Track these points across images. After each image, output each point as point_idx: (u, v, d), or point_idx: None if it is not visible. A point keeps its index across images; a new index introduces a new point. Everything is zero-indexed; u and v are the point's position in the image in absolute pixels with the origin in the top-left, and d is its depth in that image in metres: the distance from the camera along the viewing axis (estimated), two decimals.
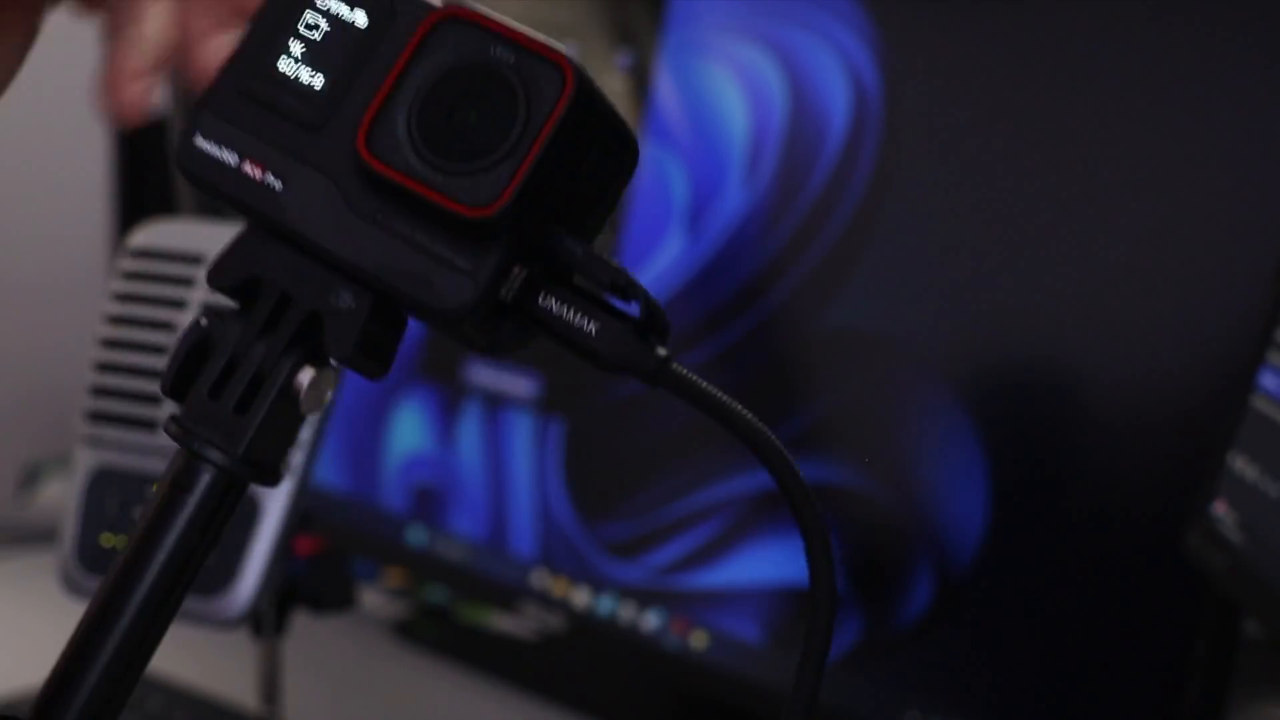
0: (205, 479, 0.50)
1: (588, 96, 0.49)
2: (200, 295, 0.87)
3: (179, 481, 0.51)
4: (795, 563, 1.07)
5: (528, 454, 1.19)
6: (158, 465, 0.87)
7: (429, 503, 1.25)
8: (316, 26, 0.51)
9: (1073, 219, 0.98)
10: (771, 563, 1.08)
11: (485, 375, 1.20)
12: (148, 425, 0.87)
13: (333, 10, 0.51)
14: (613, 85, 1.17)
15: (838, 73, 1.07)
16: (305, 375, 0.51)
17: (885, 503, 1.03)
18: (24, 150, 1.65)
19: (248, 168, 0.51)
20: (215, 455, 0.50)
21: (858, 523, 1.04)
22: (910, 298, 1.03)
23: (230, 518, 0.51)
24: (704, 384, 0.50)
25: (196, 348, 0.51)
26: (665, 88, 1.15)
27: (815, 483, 1.10)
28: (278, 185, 0.51)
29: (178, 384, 0.51)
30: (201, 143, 0.51)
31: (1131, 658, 0.95)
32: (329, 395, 0.52)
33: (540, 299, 0.50)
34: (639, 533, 1.14)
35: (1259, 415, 0.83)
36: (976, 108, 1.01)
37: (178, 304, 0.88)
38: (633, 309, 0.50)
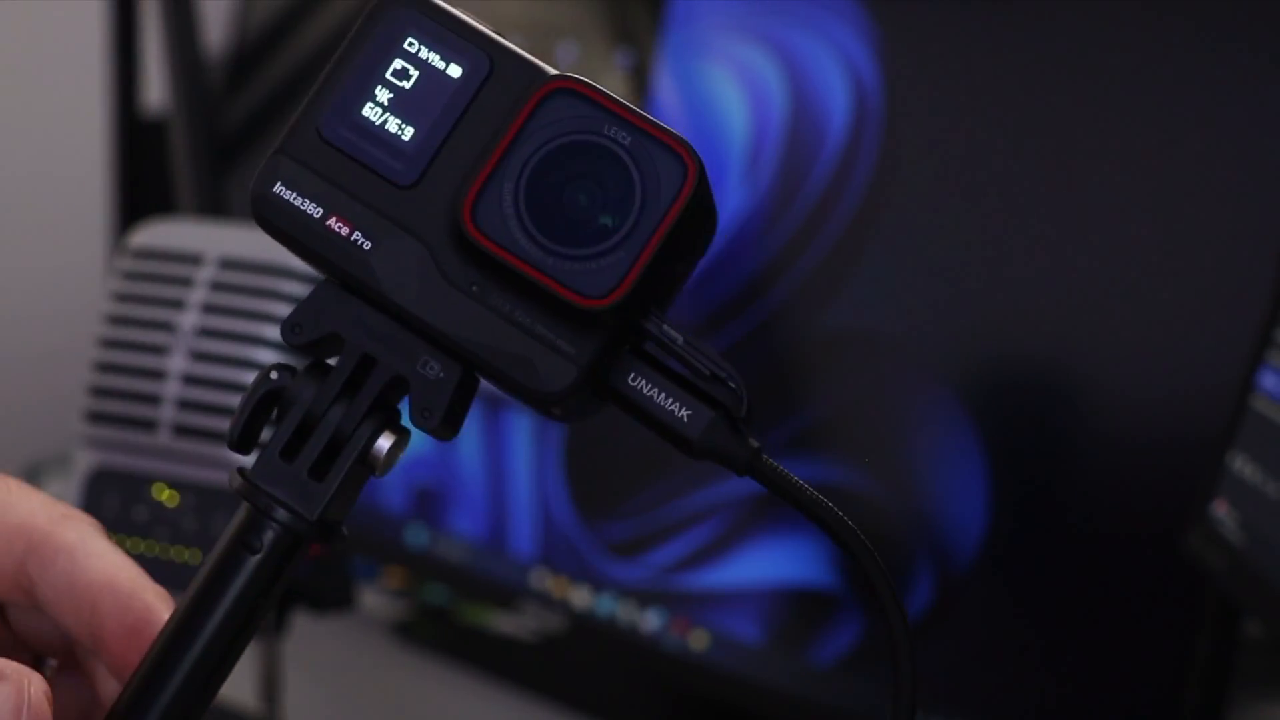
0: (271, 538, 0.49)
1: (704, 185, 0.48)
2: (199, 296, 0.87)
3: (243, 539, 0.49)
4: (795, 563, 1.08)
5: (528, 454, 1.19)
6: (157, 465, 0.87)
7: (429, 503, 1.25)
8: (407, 74, 0.49)
9: (1072, 219, 0.98)
10: (771, 563, 1.08)
11: None
12: (147, 425, 0.87)
13: (426, 58, 0.49)
14: (613, 85, 1.17)
15: (838, 73, 1.07)
16: (384, 441, 0.49)
17: (885, 503, 1.03)
18: (24, 151, 1.65)
19: (333, 223, 0.48)
20: (285, 516, 0.49)
21: (858, 523, 1.04)
22: (910, 298, 1.03)
23: (291, 577, 0.50)
24: (794, 478, 0.50)
25: (265, 402, 0.49)
26: (665, 88, 1.15)
27: (815, 483, 1.10)
28: (366, 245, 0.48)
29: (245, 438, 0.50)
30: (282, 191, 0.48)
31: (1131, 657, 0.95)
32: (399, 458, 0.50)
33: (630, 378, 0.49)
34: (639, 533, 1.14)
35: (1259, 415, 0.83)
36: (976, 107, 1.01)
37: (177, 304, 0.88)
38: (716, 389, 0.49)
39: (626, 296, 0.47)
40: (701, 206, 0.48)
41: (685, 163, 0.48)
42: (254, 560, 0.49)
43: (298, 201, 0.49)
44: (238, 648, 0.50)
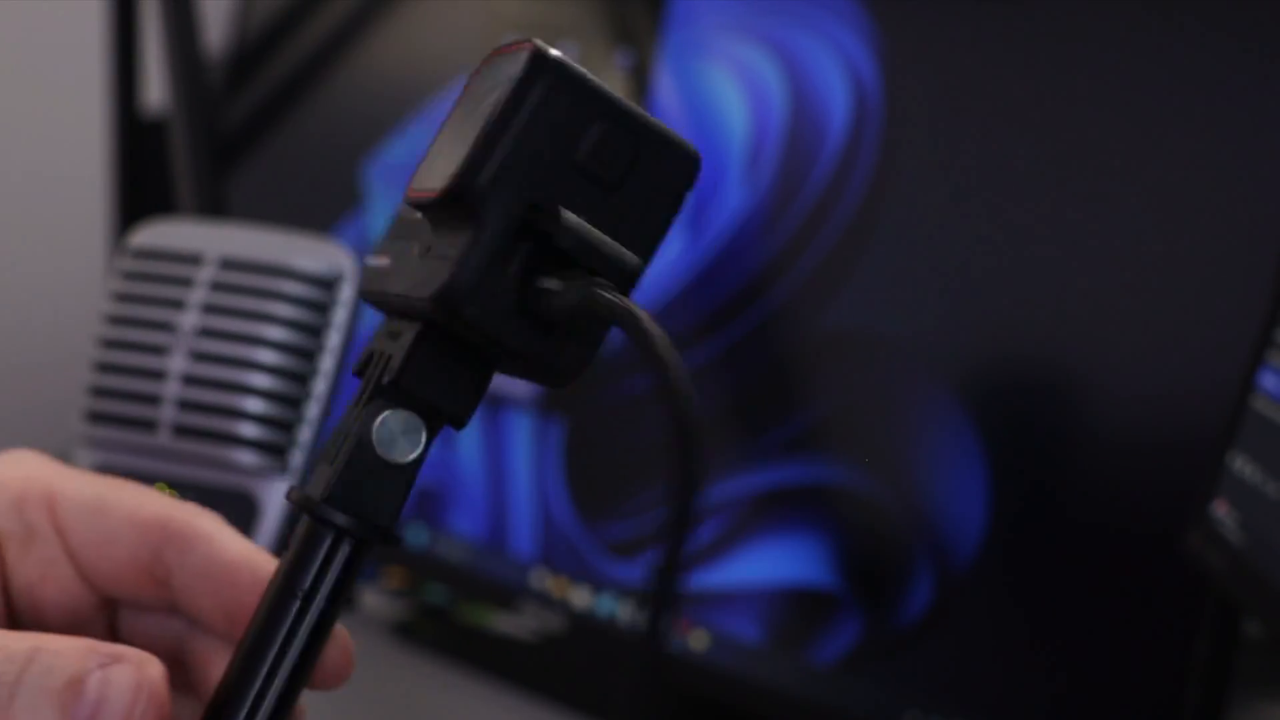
0: (300, 531, 0.52)
1: (550, 71, 0.48)
2: (199, 296, 0.87)
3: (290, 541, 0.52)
4: (795, 563, 1.08)
5: (528, 454, 1.19)
6: (157, 465, 0.87)
7: (429, 503, 1.25)
8: None
9: (1072, 219, 0.98)
10: (771, 563, 1.08)
11: None
12: (147, 425, 0.87)
13: None
14: (612, 85, 1.17)
15: (838, 73, 1.07)
16: (378, 417, 0.51)
17: (885, 503, 1.03)
18: (24, 151, 1.65)
19: (375, 260, 0.53)
20: (299, 498, 0.51)
21: (858, 523, 1.04)
22: (910, 298, 1.03)
23: (352, 579, 0.54)
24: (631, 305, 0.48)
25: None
26: (665, 88, 1.15)
27: (816, 483, 1.10)
28: (385, 264, 0.52)
29: None
30: (369, 259, 0.54)
31: (1131, 658, 0.95)
32: (420, 439, 0.52)
33: (542, 283, 0.48)
34: (639, 533, 1.14)
35: (1259, 415, 0.83)
36: (976, 107, 1.01)
37: (177, 304, 0.88)
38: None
39: (461, 174, 0.47)
40: (559, 91, 0.48)
41: (520, 51, 0.48)
42: (286, 556, 0.52)
43: (369, 260, 0.53)
44: (315, 644, 0.55)
